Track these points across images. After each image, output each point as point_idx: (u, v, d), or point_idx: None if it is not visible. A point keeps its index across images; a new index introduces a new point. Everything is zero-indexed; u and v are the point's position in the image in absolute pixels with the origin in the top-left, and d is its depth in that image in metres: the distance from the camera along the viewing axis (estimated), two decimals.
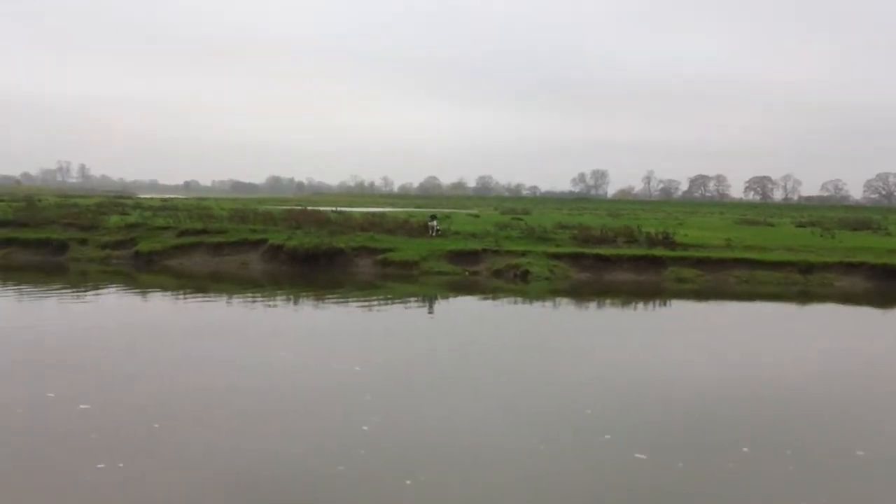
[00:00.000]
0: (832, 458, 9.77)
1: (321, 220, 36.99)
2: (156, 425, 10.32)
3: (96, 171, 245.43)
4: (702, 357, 16.17)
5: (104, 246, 32.25)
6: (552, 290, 26.15)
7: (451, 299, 24.54)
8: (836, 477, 9.12)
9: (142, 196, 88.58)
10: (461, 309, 23.05)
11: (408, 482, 8.66)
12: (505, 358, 15.57)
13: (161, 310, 20.98)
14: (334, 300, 23.12)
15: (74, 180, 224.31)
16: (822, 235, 40.08)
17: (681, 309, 24.05)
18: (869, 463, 9.61)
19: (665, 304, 24.63)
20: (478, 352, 16.14)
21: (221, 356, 14.74)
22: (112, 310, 20.82)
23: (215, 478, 8.73)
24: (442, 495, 8.42)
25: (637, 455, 9.61)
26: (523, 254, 30.35)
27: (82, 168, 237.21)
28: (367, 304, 22.51)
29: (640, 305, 24.25)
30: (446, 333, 18.85)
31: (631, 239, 33.94)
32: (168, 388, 12.26)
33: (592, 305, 24.05)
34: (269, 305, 22.15)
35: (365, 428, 10.38)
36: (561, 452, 9.79)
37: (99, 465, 8.93)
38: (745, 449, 9.87)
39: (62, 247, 32.16)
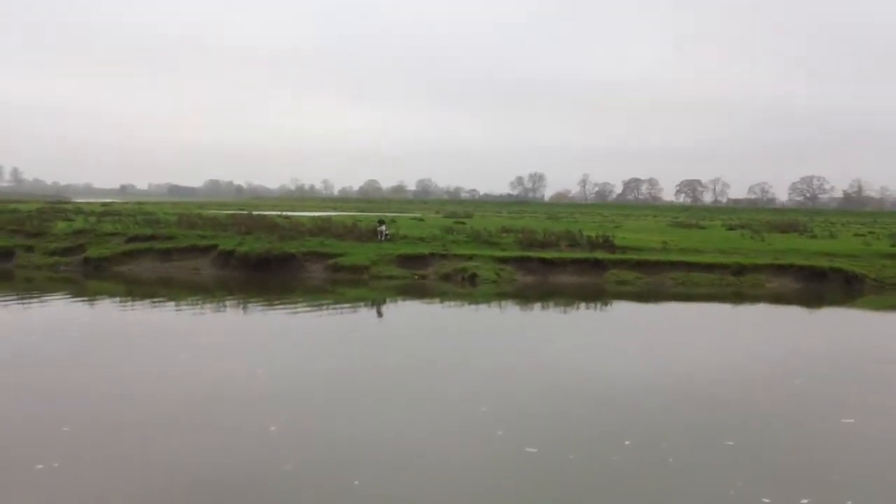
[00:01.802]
0: (702, 448, 10.51)
1: (270, 226, 37.27)
2: (65, 428, 10.63)
3: (29, 174, 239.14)
4: (608, 356, 17.14)
5: (52, 253, 31.94)
6: (499, 294, 27.03)
7: (399, 303, 25.24)
8: (706, 465, 9.87)
9: (79, 200, 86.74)
10: (404, 313, 23.65)
11: (287, 467, 9.26)
12: (423, 359, 16.24)
13: (100, 317, 21.02)
14: (283, 305, 23.44)
15: (6, 184, 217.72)
16: (752, 238, 41.86)
17: (615, 310, 25.06)
18: (736, 451, 10.43)
19: (602, 306, 25.64)
20: (399, 354, 16.72)
21: (140, 363, 14.83)
22: (51, 318, 20.68)
23: (150, 477, 9.02)
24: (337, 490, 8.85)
25: (528, 449, 10.21)
26: (470, 258, 31.24)
27: (15, 171, 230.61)
28: (316, 308, 22.96)
29: (577, 307, 25.19)
30: (377, 336, 19.42)
31: (573, 242, 35.15)
32: (78, 396, 12.46)
33: (533, 308, 24.86)
34: (211, 312, 22.32)
35: (273, 429, 10.80)
36: (454, 447, 10.36)
37: (38, 466, 9.24)
38: (626, 442, 10.58)
39: (8, 254, 31.81)
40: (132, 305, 23.12)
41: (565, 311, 24.59)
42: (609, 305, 25.91)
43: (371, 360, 15.71)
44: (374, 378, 14.25)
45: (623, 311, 25.08)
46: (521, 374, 14.80)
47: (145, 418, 11.21)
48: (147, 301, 23.85)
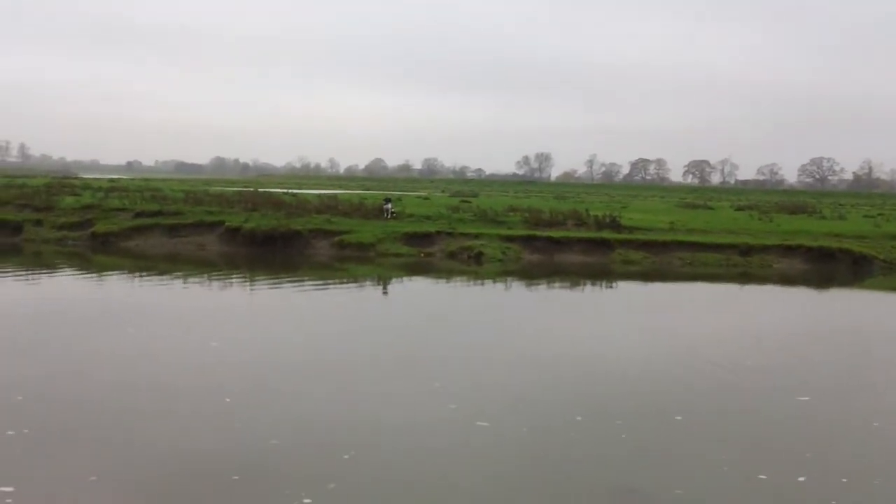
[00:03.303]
0: (655, 422, 10.60)
1: (276, 203, 37.29)
2: (19, 398, 10.72)
3: (36, 150, 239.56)
4: (582, 336, 17.11)
5: (60, 227, 32.08)
6: (504, 272, 26.99)
7: (403, 280, 25.31)
8: (658, 438, 9.98)
9: (86, 176, 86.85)
10: (403, 290, 23.77)
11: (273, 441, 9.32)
12: (391, 336, 16.35)
13: (104, 291, 21.29)
14: (288, 282, 23.48)
15: (14, 160, 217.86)
16: (760, 219, 41.61)
17: (613, 290, 25.14)
18: (686, 425, 10.60)
19: (603, 286, 25.78)
20: (370, 331, 16.74)
21: (118, 339, 14.71)
22: (49, 291, 21.02)
23: (126, 449, 9.10)
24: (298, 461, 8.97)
25: (479, 423, 10.24)
26: (476, 236, 31.19)
27: (22, 147, 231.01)
28: (321, 285, 23.09)
29: (579, 287, 25.15)
30: (356, 314, 19.28)
31: (580, 222, 35.05)
32: (45, 369, 12.35)
33: (532, 286, 24.76)
34: (210, 287, 22.50)
35: (227, 400, 10.90)
36: (411, 423, 10.31)
37: (9, 432, 9.39)
38: (578, 418, 10.64)
39: (17, 228, 32.04)
40: (137, 281, 23.26)
41: (563, 290, 24.59)
42: (611, 285, 25.94)
43: (340, 340, 15.70)
44: (350, 351, 14.41)
45: (621, 292, 25.05)
46: (487, 351, 14.85)
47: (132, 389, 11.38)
48: (151, 276, 24.00)
